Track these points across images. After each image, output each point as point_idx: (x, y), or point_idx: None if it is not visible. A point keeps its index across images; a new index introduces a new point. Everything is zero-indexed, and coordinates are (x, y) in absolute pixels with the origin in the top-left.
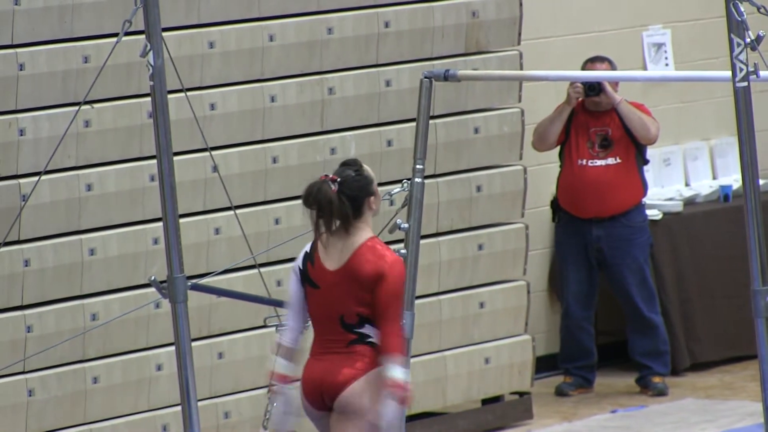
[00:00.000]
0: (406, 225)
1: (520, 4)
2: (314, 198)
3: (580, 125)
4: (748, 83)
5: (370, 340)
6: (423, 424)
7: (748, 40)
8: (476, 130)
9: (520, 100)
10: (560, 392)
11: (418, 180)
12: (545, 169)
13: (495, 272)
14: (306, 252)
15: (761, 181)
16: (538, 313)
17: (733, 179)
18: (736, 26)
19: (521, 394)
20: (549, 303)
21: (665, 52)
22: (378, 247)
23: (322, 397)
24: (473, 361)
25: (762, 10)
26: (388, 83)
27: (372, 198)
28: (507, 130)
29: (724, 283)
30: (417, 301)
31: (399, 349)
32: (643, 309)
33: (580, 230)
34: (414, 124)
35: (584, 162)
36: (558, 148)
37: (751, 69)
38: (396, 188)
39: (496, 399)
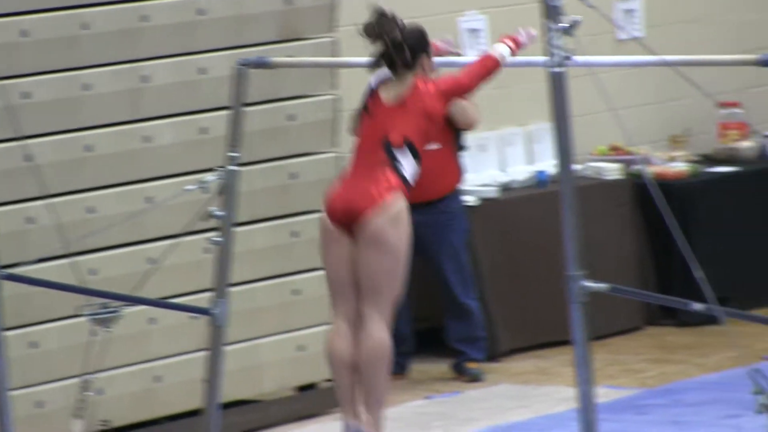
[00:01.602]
0: (221, 213)
1: None
2: (386, 33)
3: None
4: (564, 68)
5: (401, 168)
6: (236, 412)
7: (563, 25)
8: (291, 118)
9: (335, 87)
10: None
11: (232, 168)
12: None
13: (310, 259)
14: (370, 87)
15: (577, 167)
16: None
17: (550, 165)
18: (551, 11)
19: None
20: None
21: (481, 37)
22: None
23: (345, 216)
24: (288, 349)
25: None
26: (203, 71)
27: (426, 55)
28: (321, 116)
29: (540, 268)
30: (231, 289)
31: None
32: (460, 294)
33: None
34: (229, 111)
35: None
36: None
37: (566, 54)
38: (211, 176)
39: (311, 386)
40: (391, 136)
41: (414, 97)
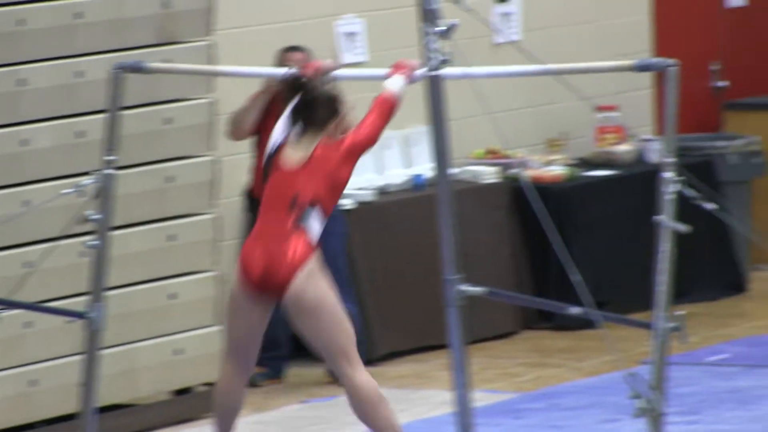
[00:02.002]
0: (97, 216)
1: None
2: (302, 89)
3: (275, 115)
4: (440, 73)
5: (311, 228)
6: (112, 416)
7: (440, 29)
8: (167, 121)
9: (212, 91)
10: (251, 383)
11: (109, 171)
12: (239, 159)
13: (186, 263)
14: (276, 141)
15: (454, 170)
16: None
17: (427, 168)
18: (428, 15)
19: (212, 385)
20: None
21: (358, 41)
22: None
23: (262, 284)
24: (164, 353)
25: None
26: (80, 74)
27: (336, 116)
28: (198, 120)
29: (417, 272)
30: (108, 293)
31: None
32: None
33: None
34: (106, 115)
35: None
36: (253, 137)
37: (443, 58)
38: (87, 179)
39: (187, 390)
40: (300, 196)
41: (321, 158)
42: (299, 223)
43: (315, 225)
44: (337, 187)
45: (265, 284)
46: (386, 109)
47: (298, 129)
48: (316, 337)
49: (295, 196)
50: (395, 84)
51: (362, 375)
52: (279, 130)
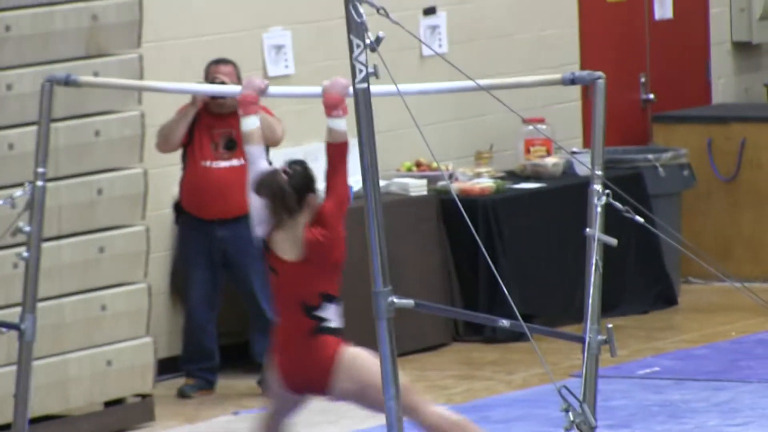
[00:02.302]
0: (28, 228)
1: (140, 7)
2: (267, 186)
3: (204, 126)
4: (368, 86)
5: (330, 323)
6: (44, 427)
7: (368, 41)
8: (97, 133)
9: (140, 103)
10: (182, 394)
11: (39, 183)
12: (167, 172)
13: (117, 275)
14: (260, 239)
15: (382, 183)
16: (161, 316)
17: (355, 180)
18: (355, 28)
19: (143, 396)
20: (171, 305)
21: (285, 53)
22: (316, 228)
23: (305, 390)
24: (96, 364)
25: (382, 11)
26: (9, 87)
27: (313, 195)
28: (128, 132)
29: (346, 283)
30: (39, 305)
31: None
32: (267, 310)
33: (204, 231)
34: (36, 127)
35: (208, 163)
36: (181, 149)
37: (371, 70)
38: (18, 191)
39: (119, 401)
40: (307, 299)
41: (315, 244)
42: (320, 326)
43: (334, 317)
44: (337, 265)
45: (307, 391)
46: (344, 157)
47: (277, 220)
48: (378, 408)
49: (303, 300)
50: (340, 126)
51: (431, 416)
52: (257, 224)
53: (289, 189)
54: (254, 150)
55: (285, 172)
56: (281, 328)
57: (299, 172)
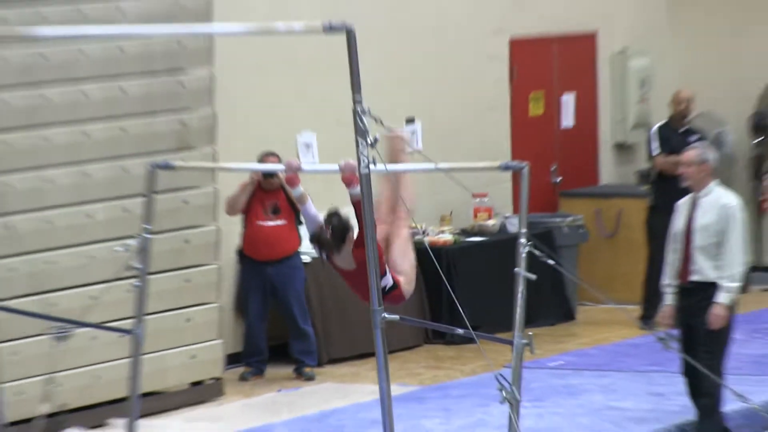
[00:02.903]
0: (139, 266)
1: (214, 116)
2: (317, 240)
3: (258, 198)
4: (369, 171)
5: (388, 285)
6: (149, 401)
7: (369, 141)
8: (185, 201)
9: (214, 181)
10: (242, 378)
11: (146, 235)
12: (232, 229)
13: (198, 297)
14: (323, 257)
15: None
16: (228, 325)
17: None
18: (360, 132)
19: (216, 379)
20: (235, 318)
21: (312, 148)
22: (360, 248)
23: None
24: (184, 357)
25: (379, 121)
26: (125, 170)
27: (350, 233)
28: (206, 201)
29: (352, 302)
30: (146, 317)
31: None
32: (299, 321)
33: (258, 269)
34: (144, 198)
35: (261, 223)
36: (242, 214)
37: (371, 161)
38: (132, 241)
39: (200, 383)
40: (364, 291)
41: (360, 261)
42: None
43: (385, 282)
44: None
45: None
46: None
47: (330, 253)
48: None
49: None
50: (356, 192)
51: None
52: (317, 254)
53: (332, 240)
54: (307, 207)
55: (327, 223)
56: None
57: (336, 225)
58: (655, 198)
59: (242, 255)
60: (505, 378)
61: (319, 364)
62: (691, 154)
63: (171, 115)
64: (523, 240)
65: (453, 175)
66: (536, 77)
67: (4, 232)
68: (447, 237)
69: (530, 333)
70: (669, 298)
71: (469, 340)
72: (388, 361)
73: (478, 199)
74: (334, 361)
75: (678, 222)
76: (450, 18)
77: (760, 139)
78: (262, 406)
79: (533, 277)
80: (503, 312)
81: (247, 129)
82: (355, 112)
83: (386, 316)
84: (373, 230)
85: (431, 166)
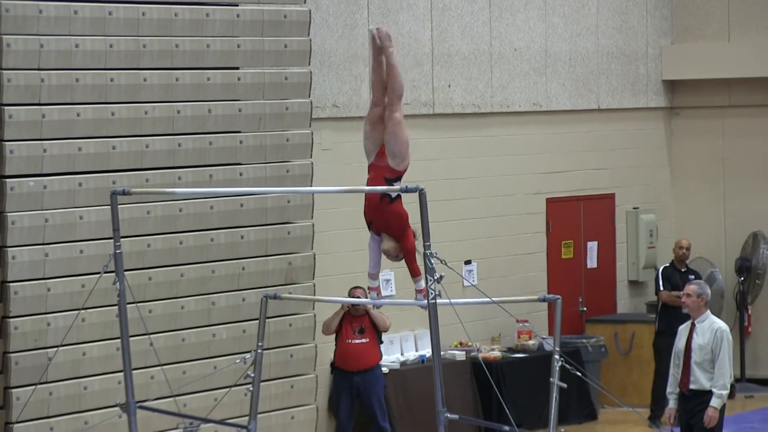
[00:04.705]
0: (253, 375)
1: (314, 259)
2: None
3: (347, 321)
4: (436, 301)
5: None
6: None
7: (436, 277)
8: (290, 324)
9: (313, 309)
10: None
11: (259, 351)
12: (328, 346)
13: (298, 401)
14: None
15: (442, 353)
16: (323, 422)
17: (427, 351)
18: (429, 272)
19: None
20: (328, 417)
21: (391, 283)
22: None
23: None
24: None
25: (443, 261)
26: (243, 299)
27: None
28: (307, 324)
29: (424, 405)
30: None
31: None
32: (379, 420)
33: (347, 378)
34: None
35: (349, 341)
36: (335, 334)
37: (437, 293)
38: (248, 355)
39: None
40: None
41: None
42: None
43: None
44: (416, 269)
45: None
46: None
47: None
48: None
49: None
50: (420, 284)
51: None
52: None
53: None
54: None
55: None
56: None
57: None
58: (661, 324)
59: (334, 366)
60: None
61: None
62: (691, 288)
63: (280, 256)
64: (556, 356)
65: (501, 305)
66: (567, 229)
67: (150, 348)
68: (496, 353)
69: (562, 430)
70: (672, 403)
71: None
72: None
73: (521, 324)
74: None
75: (679, 342)
76: (499, 182)
77: (743, 278)
78: None
79: (564, 385)
80: (540, 413)
81: (340, 267)
82: (424, 255)
83: (448, 416)
84: (438, 355)
85: (486, 300)
